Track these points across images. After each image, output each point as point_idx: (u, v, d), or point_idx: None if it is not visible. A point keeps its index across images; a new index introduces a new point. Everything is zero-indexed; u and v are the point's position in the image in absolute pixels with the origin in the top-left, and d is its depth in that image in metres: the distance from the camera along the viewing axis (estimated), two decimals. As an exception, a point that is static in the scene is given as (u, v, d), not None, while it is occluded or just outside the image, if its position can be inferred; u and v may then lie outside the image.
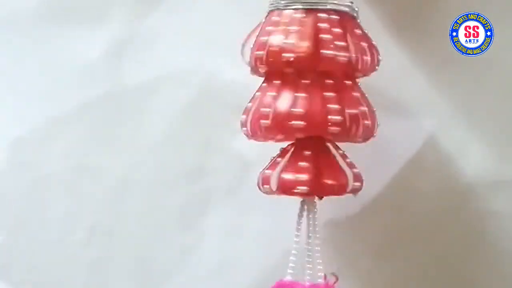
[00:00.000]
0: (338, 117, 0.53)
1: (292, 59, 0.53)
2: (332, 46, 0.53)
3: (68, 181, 0.68)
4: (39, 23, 0.68)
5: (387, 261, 0.65)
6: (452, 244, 0.65)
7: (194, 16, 0.67)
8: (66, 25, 0.68)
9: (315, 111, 0.53)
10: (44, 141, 0.68)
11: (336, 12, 0.54)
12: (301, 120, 0.53)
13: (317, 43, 0.53)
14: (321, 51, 0.53)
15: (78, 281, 0.68)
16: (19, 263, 0.69)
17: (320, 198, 0.56)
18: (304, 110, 0.53)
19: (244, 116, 0.56)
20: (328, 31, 0.53)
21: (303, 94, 0.53)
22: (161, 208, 0.67)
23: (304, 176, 0.54)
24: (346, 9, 0.55)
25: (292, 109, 0.53)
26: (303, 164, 0.54)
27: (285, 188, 0.54)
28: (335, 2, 0.54)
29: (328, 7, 0.54)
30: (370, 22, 0.57)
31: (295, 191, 0.54)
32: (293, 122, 0.53)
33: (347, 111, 0.53)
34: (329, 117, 0.53)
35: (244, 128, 0.56)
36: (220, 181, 0.67)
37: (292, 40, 0.53)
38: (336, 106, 0.53)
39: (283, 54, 0.53)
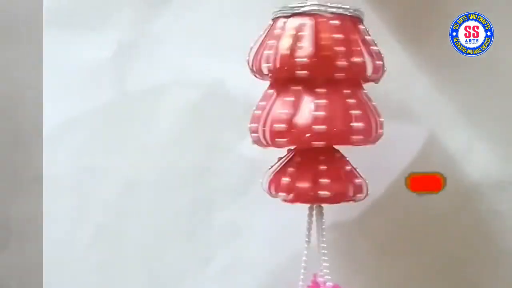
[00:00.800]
0: (360, 124, 0.53)
1: (303, 64, 0.53)
2: (344, 51, 0.53)
3: (76, 182, 0.69)
4: (47, 27, 0.69)
5: (391, 261, 0.65)
6: (456, 244, 0.65)
7: (201, 20, 0.68)
8: (75, 29, 0.69)
9: (336, 119, 0.53)
10: (52, 142, 0.69)
11: (344, 16, 0.54)
12: (322, 125, 0.52)
13: (328, 49, 0.53)
14: (335, 54, 0.53)
15: (85, 281, 0.68)
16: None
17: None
18: (325, 117, 0.52)
19: (255, 124, 0.55)
20: (342, 35, 0.53)
21: (323, 101, 0.53)
22: (169, 210, 0.68)
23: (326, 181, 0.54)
24: (353, 13, 0.55)
25: (312, 117, 0.52)
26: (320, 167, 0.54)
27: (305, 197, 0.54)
28: (343, 7, 0.54)
29: (336, 12, 0.54)
30: (371, 23, 0.57)
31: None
32: (315, 127, 0.52)
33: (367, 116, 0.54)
34: (352, 124, 0.53)
35: (255, 135, 0.56)
36: (227, 183, 0.67)
37: (301, 45, 0.53)
38: (358, 112, 0.53)
39: (294, 60, 0.53)
